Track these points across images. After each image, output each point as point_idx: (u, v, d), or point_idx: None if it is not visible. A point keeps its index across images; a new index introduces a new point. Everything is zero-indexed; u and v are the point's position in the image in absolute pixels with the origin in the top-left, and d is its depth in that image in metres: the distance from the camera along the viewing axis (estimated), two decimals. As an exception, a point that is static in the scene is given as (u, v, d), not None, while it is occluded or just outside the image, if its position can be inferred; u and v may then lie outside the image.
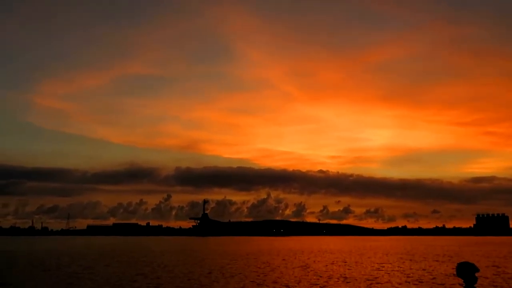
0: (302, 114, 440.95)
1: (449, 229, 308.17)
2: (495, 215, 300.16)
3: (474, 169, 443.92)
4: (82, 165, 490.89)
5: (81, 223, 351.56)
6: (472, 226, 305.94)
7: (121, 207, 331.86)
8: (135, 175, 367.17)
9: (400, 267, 34.13)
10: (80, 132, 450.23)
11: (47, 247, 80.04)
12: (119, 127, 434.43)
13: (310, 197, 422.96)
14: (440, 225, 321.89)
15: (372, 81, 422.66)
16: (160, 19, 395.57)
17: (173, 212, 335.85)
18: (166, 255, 53.30)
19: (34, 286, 23.32)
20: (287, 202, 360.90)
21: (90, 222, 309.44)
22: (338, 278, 26.18)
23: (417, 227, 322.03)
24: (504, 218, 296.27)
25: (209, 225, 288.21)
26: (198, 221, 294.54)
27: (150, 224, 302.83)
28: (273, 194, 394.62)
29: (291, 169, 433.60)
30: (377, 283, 23.94)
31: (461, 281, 7.71)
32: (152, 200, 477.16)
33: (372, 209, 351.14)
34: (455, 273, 7.86)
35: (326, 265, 36.22)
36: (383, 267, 34.69)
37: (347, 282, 24.24)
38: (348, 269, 32.72)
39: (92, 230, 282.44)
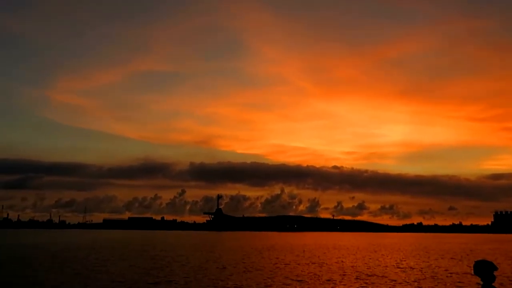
0: (317, 109, 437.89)
1: (466, 226, 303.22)
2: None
3: (493, 165, 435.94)
4: (98, 160, 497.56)
5: (98, 217, 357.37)
6: (489, 223, 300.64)
7: (136, 202, 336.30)
8: (150, 170, 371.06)
9: (416, 265, 33.76)
10: (97, 127, 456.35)
11: (65, 240, 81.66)
12: (134, 122, 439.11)
13: (324, 193, 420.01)
14: (456, 222, 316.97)
15: (387, 76, 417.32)
16: (175, 15, 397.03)
17: (187, 207, 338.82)
18: (180, 249, 53.81)
19: (52, 278, 23.79)
20: (301, 197, 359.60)
21: (106, 216, 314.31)
22: (351, 275, 26.03)
23: (433, 224, 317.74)
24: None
25: (223, 220, 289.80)
26: (212, 216, 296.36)
27: (165, 219, 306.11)
28: (287, 189, 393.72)
29: (305, 164, 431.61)
30: (392, 280, 23.72)
31: (478, 279, 7.57)
32: (167, 195, 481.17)
33: (387, 206, 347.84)
34: (472, 271, 7.74)
35: (340, 261, 36.05)
36: (397, 264, 34.37)
37: (361, 279, 24.08)
38: (362, 265, 32.51)
39: (108, 224, 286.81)
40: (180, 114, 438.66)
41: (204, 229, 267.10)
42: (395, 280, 23.49)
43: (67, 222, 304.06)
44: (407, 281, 23.34)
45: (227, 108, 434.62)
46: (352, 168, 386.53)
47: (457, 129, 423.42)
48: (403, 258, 41.24)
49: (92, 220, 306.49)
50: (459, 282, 23.11)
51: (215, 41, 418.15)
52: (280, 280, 23.11)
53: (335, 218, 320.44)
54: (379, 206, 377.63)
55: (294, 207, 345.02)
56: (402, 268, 30.86)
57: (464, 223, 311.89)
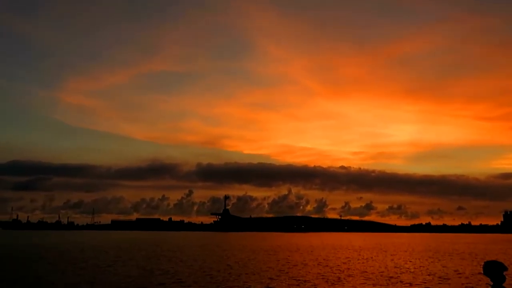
0: (324, 109, 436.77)
1: (475, 226, 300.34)
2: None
3: (502, 164, 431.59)
4: (107, 161, 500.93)
5: (106, 218, 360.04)
6: (499, 223, 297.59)
7: (144, 203, 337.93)
8: (157, 171, 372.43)
9: (424, 265, 33.48)
10: (105, 128, 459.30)
11: (73, 241, 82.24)
12: (142, 123, 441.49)
13: (332, 193, 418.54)
14: (465, 222, 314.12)
15: (395, 75, 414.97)
16: (182, 15, 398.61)
17: (195, 208, 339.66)
18: (187, 250, 53.92)
19: (61, 278, 23.93)
20: (308, 198, 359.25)
21: (114, 217, 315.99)
22: (359, 276, 25.88)
23: (442, 224, 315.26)
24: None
25: (230, 220, 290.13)
26: (219, 217, 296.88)
27: (172, 220, 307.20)
28: (294, 190, 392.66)
29: (312, 165, 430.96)
30: (400, 281, 23.54)
31: (488, 280, 7.48)
32: (174, 196, 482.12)
33: (395, 206, 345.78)
34: (482, 271, 7.63)
35: (347, 262, 35.87)
36: (406, 264, 34.12)
37: (368, 279, 23.92)
38: (370, 266, 32.31)
39: (116, 225, 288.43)
40: (187, 115, 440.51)
41: (211, 229, 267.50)
42: (403, 281, 23.30)
43: (75, 223, 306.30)
44: (416, 282, 23.14)
45: (234, 108, 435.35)
46: (360, 168, 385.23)
47: (465, 128, 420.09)
48: (411, 258, 40.93)
49: (100, 221, 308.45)
50: (468, 282, 22.86)
51: (222, 41, 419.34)
52: (287, 281, 23.04)
53: (342, 218, 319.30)
54: (387, 206, 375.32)
55: (301, 207, 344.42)
56: (411, 268, 30.61)
57: (473, 223, 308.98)
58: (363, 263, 35.14)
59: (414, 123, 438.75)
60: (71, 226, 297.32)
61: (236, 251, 50.45)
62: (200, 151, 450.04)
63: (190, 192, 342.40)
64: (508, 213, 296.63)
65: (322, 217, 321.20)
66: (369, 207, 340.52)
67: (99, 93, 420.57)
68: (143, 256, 41.22)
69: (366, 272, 27.82)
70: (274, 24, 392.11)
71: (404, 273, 27.41)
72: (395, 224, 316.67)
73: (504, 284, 7.30)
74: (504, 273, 7.32)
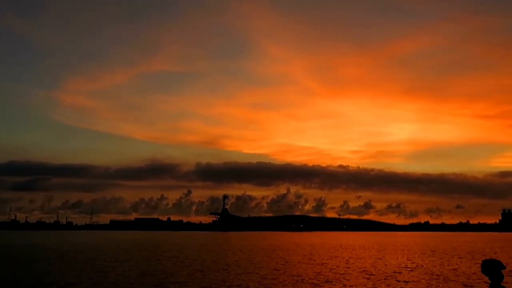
0: (323, 108, 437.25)
1: (473, 224, 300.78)
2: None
3: (501, 163, 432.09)
4: (105, 161, 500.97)
5: (104, 218, 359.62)
6: (497, 221, 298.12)
7: (143, 203, 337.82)
8: (156, 171, 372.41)
9: (423, 264, 33.50)
10: (104, 128, 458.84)
11: (72, 241, 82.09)
12: (141, 123, 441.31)
13: (331, 192, 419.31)
14: (464, 221, 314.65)
15: (394, 74, 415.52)
16: (182, 16, 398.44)
17: (194, 207, 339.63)
18: (186, 249, 53.87)
19: (59, 278, 23.85)
20: (307, 197, 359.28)
21: (113, 217, 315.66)
22: (358, 274, 25.87)
23: (440, 222, 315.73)
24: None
25: (229, 220, 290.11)
26: (218, 216, 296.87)
27: (171, 219, 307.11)
28: (293, 189, 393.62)
29: (311, 164, 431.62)
30: (398, 280, 23.54)
31: (486, 278, 7.47)
32: (173, 196, 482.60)
33: (394, 204, 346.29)
34: (480, 270, 7.62)
35: (346, 261, 35.87)
36: (405, 263, 34.13)
37: (367, 279, 23.91)
38: (368, 265, 32.31)
39: (114, 225, 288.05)
40: (187, 115, 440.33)
41: (210, 229, 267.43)
42: (402, 280, 23.30)
43: (74, 223, 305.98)
44: (415, 280, 23.14)
45: (233, 108, 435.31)
46: (359, 167, 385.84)
47: (464, 127, 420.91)
48: (410, 257, 40.96)
49: (99, 221, 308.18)
50: (467, 281, 22.87)
51: (222, 41, 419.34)
52: (285, 280, 23.01)
53: (341, 217, 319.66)
54: (385, 205, 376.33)
55: (300, 206, 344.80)
56: (409, 267, 30.62)
57: (471, 222, 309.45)
58: (361, 262, 35.13)
59: (413, 122, 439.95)
60: (69, 226, 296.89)
61: (235, 251, 50.42)
62: (199, 151, 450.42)
63: (189, 192, 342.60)
64: (507, 211, 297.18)
65: (321, 216, 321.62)
66: (368, 206, 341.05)
67: (99, 93, 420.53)
68: (142, 256, 41.16)
69: (364, 271, 27.81)
70: (274, 24, 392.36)
71: (402, 272, 27.41)
72: (394, 223, 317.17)
73: (502, 283, 7.29)
74: (503, 271, 7.31)
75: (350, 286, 21.27)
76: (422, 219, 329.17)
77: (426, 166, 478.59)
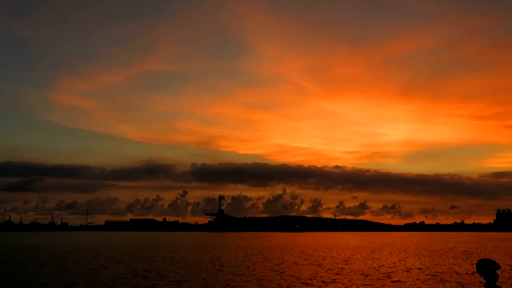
0: (319, 109, 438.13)
1: (468, 224, 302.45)
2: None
3: (495, 163, 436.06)
4: (101, 162, 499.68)
5: (100, 219, 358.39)
6: (492, 222, 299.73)
7: (138, 203, 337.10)
8: (152, 171, 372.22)
9: (418, 264, 33.51)
10: (99, 129, 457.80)
11: (67, 242, 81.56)
12: (136, 124, 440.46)
13: (326, 192, 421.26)
14: (459, 221, 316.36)
15: (389, 75, 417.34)
16: (178, 16, 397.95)
17: (189, 208, 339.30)
18: (181, 250, 53.63)
19: (53, 279, 23.61)
20: (303, 198, 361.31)
21: (108, 218, 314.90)
22: (353, 274, 25.79)
23: (435, 223, 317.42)
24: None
25: (224, 220, 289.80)
26: (214, 217, 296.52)
27: (167, 220, 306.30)
28: (289, 189, 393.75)
29: (306, 164, 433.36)
30: (393, 280, 23.49)
31: (481, 278, 7.42)
32: (169, 196, 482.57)
33: (389, 205, 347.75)
34: (475, 270, 7.56)
35: (341, 261, 35.81)
36: (400, 263, 34.11)
37: (362, 279, 23.83)
38: (364, 265, 32.26)
39: (110, 226, 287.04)
40: (182, 115, 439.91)
41: (206, 230, 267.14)
42: (397, 280, 23.25)
43: (69, 224, 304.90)
44: (410, 280, 23.10)
45: (229, 108, 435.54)
46: (354, 168, 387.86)
47: (459, 128, 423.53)
48: (405, 257, 40.98)
49: (94, 222, 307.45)
50: (462, 281, 22.86)
51: (217, 41, 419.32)
52: (280, 281, 22.89)
53: (337, 218, 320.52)
54: (381, 206, 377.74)
55: (296, 207, 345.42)
56: (405, 267, 30.60)
57: (466, 222, 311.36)
58: (357, 262, 35.09)
59: (408, 122, 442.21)
60: (64, 227, 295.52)
61: (230, 252, 50.26)
62: (195, 151, 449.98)
63: (185, 193, 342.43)
64: (501, 211, 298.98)
65: (317, 216, 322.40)
66: (363, 207, 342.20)
67: (94, 93, 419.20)
68: (136, 257, 40.89)
69: (359, 271, 27.76)
70: (269, 25, 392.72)
71: (397, 272, 27.37)
72: (389, 223, 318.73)
73: (497, 283, 7.23)
74: (497, 271, 7.25)
75: (345, 286, 21.17)
76: (417, 219, 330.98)
77: (421, 166, 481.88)
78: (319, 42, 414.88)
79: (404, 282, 22.51)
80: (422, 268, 29.72)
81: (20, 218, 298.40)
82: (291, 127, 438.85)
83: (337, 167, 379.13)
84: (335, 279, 23.60)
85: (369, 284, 21.62)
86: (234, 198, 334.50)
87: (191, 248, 59.90)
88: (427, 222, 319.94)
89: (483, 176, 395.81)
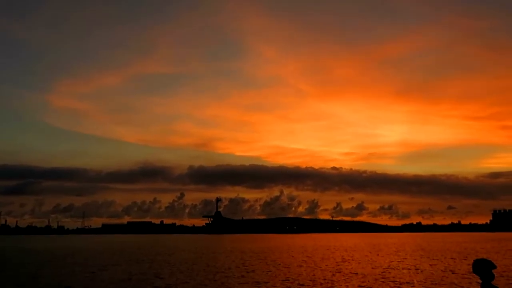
0: (316, 110, 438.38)
1: (465, 225, 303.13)
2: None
3: (491, 164, 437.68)
4: (97, 164, 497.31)
5: (96, 222, 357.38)
6: (488, 222, 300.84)
7: (135, 206, 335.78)
8: (149, 174, 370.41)
9: (415, 264, 33.51)
10: (96, 131, 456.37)
11: (63, 246, 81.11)
12: (133, 126, 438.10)
13: (323, 194, 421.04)
14: (455, 221, 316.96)
15: (386, 76, 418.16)
16: (176, 17, 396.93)
17: (187, 210, 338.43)
18: (178, 253, 53.43)
19: (46, 283, 23.43)
20: (300, 199, 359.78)
21: (105, 220, 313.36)
22: (350, 275, 25.75)
23: (432, 223, 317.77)
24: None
25: (222, 223, 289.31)
26: (211, 219, 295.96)
27: (164, 223, 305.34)
28: (286, 191, 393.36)
29: (304, 166, 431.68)
30: (391, 281, 23.46)
31: (478, 278, 7.41)
32: (166, 199, 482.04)
33: (386, 206, 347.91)
34: (471, 270, 7.56)
35: (338, 262, 35.77)
36: (398, 264, 34.11)
37: (359, 280, 23.79)
38: (361, 266, 32.23)
39: (107, 229, 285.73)
40: (180, 117, 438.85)
41: (203, 232, 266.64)
42: (395, 281, 23.22)
43: (65, 228, 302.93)
44: (407, 281, 23.08)
45: (226, 110, 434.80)
46: (351, 169, 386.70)
47: (455, 128, 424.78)
48: (402, 258, 40.99)
49: (90, 225, 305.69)
50: (458, 281, 22.86)
51: (215, 42, 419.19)
52: (277, 283, 22.82)
53: (334, 219, 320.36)
54: (378, 207, 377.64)
55: (293, 208, 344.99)
56: (402, 268, 30.59)
57: (463, 222, 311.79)
58: (354, 263, 35.05)
59: (404, 123, 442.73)
60: (61, 230, 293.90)
61: (227, 254, 50.12)
62: (192, 153, 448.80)
63: (182, 195, 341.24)
64: (497, 212, 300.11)
65: (314, 218, 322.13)
66: (360, 208, 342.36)
67: (91, 95, 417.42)
68: (133, 260, 40.67)
69: (357, 272, 27.72)
70: (267, 26, 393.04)
71: (394, 272, 27.36)
72: (386, 224, 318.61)
73: (493, 282, 7.21)
74: (493, 271, 7.23)
75: (342, 287, 21.12)
76: (414, 220, 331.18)
77: (417, 167, 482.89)
78: (317, 44, 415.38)
79: (401, 282, 22.48)
80: (418, 269, 29.71)
81: (16, 221, 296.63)
82: (288, 129, 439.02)
83: (334, 168, 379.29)
84: (332, 280, 23.55)
85: (366, 285, 21.57)
86: (231, 200, 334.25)
87: (188, 250, 59.70)
88: (424, 222, 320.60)
89: (479, 176, 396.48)
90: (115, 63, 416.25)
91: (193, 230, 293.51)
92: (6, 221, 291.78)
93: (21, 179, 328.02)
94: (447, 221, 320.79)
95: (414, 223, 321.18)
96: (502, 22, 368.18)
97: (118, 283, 23.07)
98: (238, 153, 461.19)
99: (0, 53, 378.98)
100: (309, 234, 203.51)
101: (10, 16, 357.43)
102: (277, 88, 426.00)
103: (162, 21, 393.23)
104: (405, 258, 40.12)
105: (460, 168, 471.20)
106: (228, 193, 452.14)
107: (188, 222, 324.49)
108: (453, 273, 26.57)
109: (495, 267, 7.21)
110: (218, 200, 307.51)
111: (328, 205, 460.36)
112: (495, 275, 7.31)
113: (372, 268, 30.24)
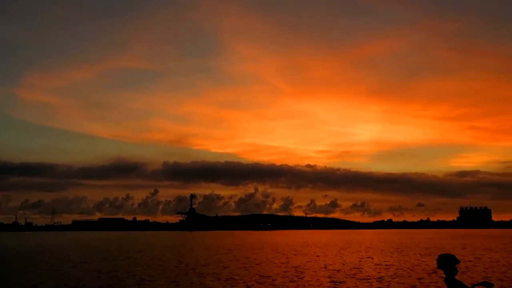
0: (292, 109, 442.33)
1: (433, 222, 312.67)
2: (478, 208, 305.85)
3: (459, 163, 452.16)
4: (68, 160, 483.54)
5: (66, 219, 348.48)
6: (455, 219, 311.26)
7: (107, 202, 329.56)
8: (122, 170, 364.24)
9: (384, 260, 34.23)
10: (67, 126, 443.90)
11: (30, 243, 78.60)
12: (106, 121, 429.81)
13: (298, 191, 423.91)
14: (424, 218, 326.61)
15: (361, 76, 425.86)
16: (152, 13, 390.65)
17: (160, 207, 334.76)
18: (150, 250, 52.71)
19: (11, 282, 22.60)
20: (275, 196, 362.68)
21: (76, 217, 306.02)
22: (322, 271, 26.02)
23: (402, 220, 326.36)
24: (487, 211, 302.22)
25: (196, 219, 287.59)
26: (185, 216, 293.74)
27: (137, 219, 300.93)
28: (261, 188, 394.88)
29: (279, 163, 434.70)
30: (362, 277, 23.85)
31: (442, 272, 7.56)
32: (139, 195, 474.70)
33: (359, 203, 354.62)
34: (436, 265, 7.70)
35: (311, 258, 36.12)
36: (367, 260, 34.75)
37: (331, 275, 24.07)
38: (333, 262, 32.65)
39: (77, 226, 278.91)
40: (155, 113, 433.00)
41: (177, 229, 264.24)
42: (364, 276, 23.62)
43: (34, 224, 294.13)
44: (378, 277, 23.52)
45: (202, 107, 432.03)
46: (325, 167, 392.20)
47: (426, 128, 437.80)
48: (373, 254, 41.82)
49: (60, 222, 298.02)
50: (425, 276, 23.47)
51: (191, 39, 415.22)
52: (250, 279, 22.81)
53: (308, 216, 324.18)
54: (351, 204, 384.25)
55: (267, 205, 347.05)
56: (373, 264, 31.18)
57: (431, 219, 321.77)
58: (326, 259, 35.48)
59: (378, 122, 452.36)
60: (29, 227, 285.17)
61: (201, 250, 49.81)
62: (167, 149, 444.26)
63: (156, 191, 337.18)
64: (464, 209, 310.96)
65: (288, 215, 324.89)
66: (334, 205, 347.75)
67: (63, 90, 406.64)
68: (103, 257, 39.81)
69: (328, 268, 28.05)
70: (244, 24, 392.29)
71: (365, 268, 27.84)
72: (359, 221, 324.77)
73: (456, 277, 7.36)
74: (457, 265, 7.38)
75: (313, 282, 21.31)
76: (386, 217, 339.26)
77: (389, 166, 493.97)
78: (293, 43, 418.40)
79: (371, 278, 22.89)
80: (388, 264, 30.35)
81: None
82: (264, 126, 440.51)
83: (308, 166, 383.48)
84: (304, 276, 23.73)
85: (337, 280, 21.85)
86: (206, 197, 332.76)
87: (161, 247, 58.99)
88: (394, 219, 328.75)
89: (447, 175, 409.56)
90: (89, 58, 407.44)
91: (167, 227, 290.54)
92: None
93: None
94: (416, 218, 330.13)
95: (385, 220, 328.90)
96: (471, 26, 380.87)
97: (88, 281, 22.49)
98: (213, 150, 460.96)
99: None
100: (283, 231, 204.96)
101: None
102: (253, 86, 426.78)
103: (138, 17, 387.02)
104: (376, 254, 40.94)
105: (430, 167, 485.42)
106: (203, 189, 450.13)
107: (161, 218, 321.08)
108: (420, 269, 27.28)
109: (458, 262, 7.38)
110: (193, 196, 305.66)
111: (302, 202, 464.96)
112: (459, 270, 7.48)
113: (343, 264, 30.69)
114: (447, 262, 7.38)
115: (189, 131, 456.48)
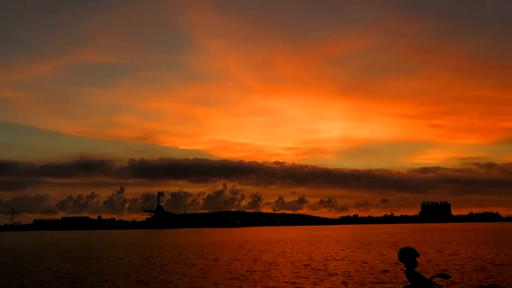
0: (260, 106, 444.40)
1: (397, 217, 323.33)
2: (439, 203, 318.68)
3: (421, 160, 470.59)
4: (29, 157, 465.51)
5: (27, 218, 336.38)
6: (417, 214, 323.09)
7: (71, 201, 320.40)
8: (86, 167, 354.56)
9: (349, 255, 34.97)
10: (28, 122, 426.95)
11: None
12: (70, 117, 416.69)
13: (266, 188, 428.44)
14: (388, 213, 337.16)
15: (328, 74, 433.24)
16: (119, 6, 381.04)
17: (127, 205, 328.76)
18: (115, 248, 51.49)
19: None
20: (243, 193, 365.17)
21: (37, 216, 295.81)
22: (289, 267, 26.26)
23: (368, 215, 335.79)
24: (447, 206, 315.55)
25: (164, 217, 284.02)
26: (153, 214, 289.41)
27: (102, 218, 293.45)
28: (230, 185, 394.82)
29: (247, 160, 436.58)
30: (328, 271, 24.23)
31: (403, 265, 7.77)
32: (104, 193, 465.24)
33: (326, 199, 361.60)
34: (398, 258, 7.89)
35: (278, 254, 36.40)
36: (333, 255, 35.37)
37: (297, 271, 24.33)
38: (299, 257, 33.03)
39: (39, 225, 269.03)
40: (121, 109, 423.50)
41: (144, 227, 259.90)
42: (330, 270, 24.02)
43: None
44: (340, 270, 23.97)
45: (170, 103, 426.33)
46: (294, 164, 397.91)
47: (390, 126, 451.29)
48: (339, 249, 42.64)
49: (20, 222, 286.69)
50: (387, 269, 24.14)
51: (159, 34, 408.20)
52: (216, 276, 22.70)
53: (276, 212, 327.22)
54: (318, 200, 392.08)
55: (236, 202, 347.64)
56: (338, 258, 31.76)
57: (395, 214, 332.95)
58: (293, 255, 35.85)
59: (345, 120, 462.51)
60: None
61: (168, 248, 49.14)
62: (133, 146, 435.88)
63: (122, 189, 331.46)
64: (426, 204, 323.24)
65: (257, 211, 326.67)
66: (301, 201, 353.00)
67: (23, 84, 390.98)
68: (65, 258, 38.51)
69: (295, 264, 28.34)
70: (213, 21, 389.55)
71: (331, 262, 28.33)
72: (326, 217, 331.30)
73: (416, 269, 7.58)
74: (417, 258, 7.61)
75: (280, 278, 21.46)
76: (352, 212, 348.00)
77: (355, 162, 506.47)
78: (262, 41, 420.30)
79: (337, 272, 23.30)
80: (351, 258, 31.03)
81: None
82: (233, 123, 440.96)
83: (277, 163, 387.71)
84: (270, 272, 23.86)
85: (303, 275, 22.11)
86: (173, 194, 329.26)
87: (126, 246, 57.75)
88: (360, 215, 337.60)
89: (411, 171, 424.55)
90: (50, 52, 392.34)
91: (134, 225, 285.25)
92: None
93: None
94: (381, 213, 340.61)
95: (351, 215, 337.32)
96: (431, 26, 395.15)
97: (49, 283, 21.66)
98: (181, 147, 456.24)
99: None
100: (251, 228, 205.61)
101: None
102: (222, 82, 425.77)
103: (105, 9, 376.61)
104: (342, 249, 41.77)
105: (394, 163, 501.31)
106: (171, 187, 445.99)
107: (128, 217, 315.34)
108: (383, 262, 28.04)
109: (418, 255, 7.61)
110: (160, 194, 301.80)
111: (270, 199, 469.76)
112: (419, 263, 7.71)
113: (310, 259, 31.11)
114: (407, 256, 7.61)
115: (156, 128, 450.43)
